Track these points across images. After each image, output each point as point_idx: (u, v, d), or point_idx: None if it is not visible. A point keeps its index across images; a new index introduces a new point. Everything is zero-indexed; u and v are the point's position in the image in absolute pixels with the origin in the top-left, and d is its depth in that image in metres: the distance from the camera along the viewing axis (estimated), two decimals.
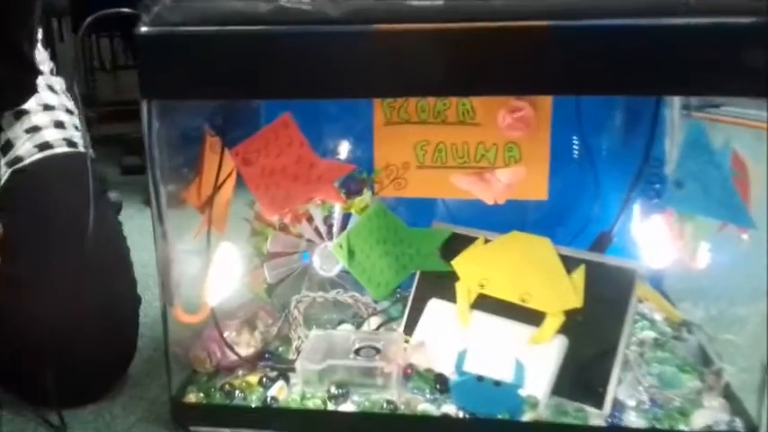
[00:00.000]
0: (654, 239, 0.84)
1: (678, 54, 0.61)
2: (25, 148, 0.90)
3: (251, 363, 0.83)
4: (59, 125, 0.94)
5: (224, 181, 0.84)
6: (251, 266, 0.93)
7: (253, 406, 0.78)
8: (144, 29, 0.66)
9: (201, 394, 0.79)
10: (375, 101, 0.93)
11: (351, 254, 0.87)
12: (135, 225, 1.36)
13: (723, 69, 0.61)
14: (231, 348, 0.82)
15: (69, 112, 0.97)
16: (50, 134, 0.92)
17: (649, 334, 0.87)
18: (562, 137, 0.92)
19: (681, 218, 0.83)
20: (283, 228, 0.94)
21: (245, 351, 0.84)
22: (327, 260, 0.95)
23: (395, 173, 0.95)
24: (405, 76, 0.66)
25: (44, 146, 0.91)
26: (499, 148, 0.91)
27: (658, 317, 0.91)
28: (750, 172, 0.73)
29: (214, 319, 0.79)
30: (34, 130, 0.92)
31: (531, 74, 0.65)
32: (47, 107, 0.94)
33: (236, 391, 0.79)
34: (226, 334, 0.83)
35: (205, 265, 0.78)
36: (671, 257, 0.83)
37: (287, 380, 0.80)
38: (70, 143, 0.94)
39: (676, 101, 0.93)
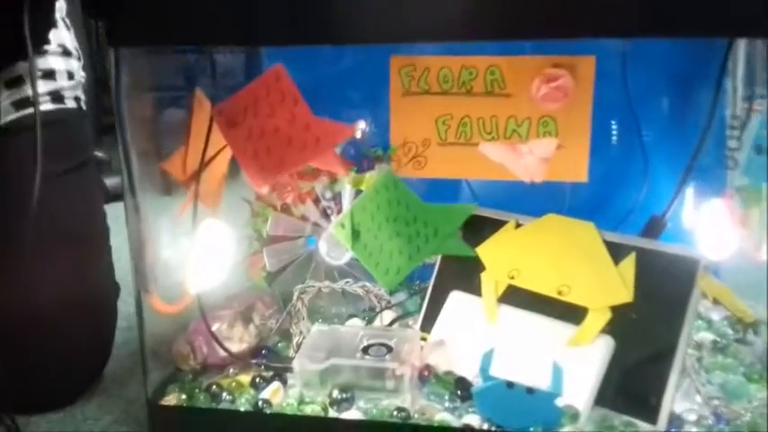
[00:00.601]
0: (713, 226, 0.78)
1: None
2: (1, 107, 0.82)
3: (243, 360, 0.77)
4: (48, 75, 0.85)
5: (219, 151, 0.75)
6: (249, 251, 0.87)
7: (242, 410, 0.71)
8: None
9: (183, 395, 0.73)
10: (392, 68, 0.88)
11: (355, 234, 0.78)
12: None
13: None
14: (220, 343, 0.75)
15: (66, 53, 0.87)
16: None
17: (707, 336, 0.80)
18: (606, 109, 0.86)
19: (746, 202, 0.78)
20: (285, 208, 0.87)
21: (238, 347, 0.77)
22: (336, 246, 0.89)
23: (414, 150, 0.90)
24: (418, 17, 0.58)
25: (22, 103, 0.83)
26: (533, 123, 0.86)
27: (716, 316, 0.83)
28: None
29: (201, 309, 0.73)
30: (17, 82, 0.83)
31: (572, 13, 0.57)
32: (40, 51, 0.85)
33: (224, 393, 0.73)
34: (216, 327, 0.77)
35: (190, 246, 0.71)
36: (732, 247, 0.76)
37: (283, 381, 0.74)
38: (56, 98, 0.85)
39: (740, 68, 0.83)
